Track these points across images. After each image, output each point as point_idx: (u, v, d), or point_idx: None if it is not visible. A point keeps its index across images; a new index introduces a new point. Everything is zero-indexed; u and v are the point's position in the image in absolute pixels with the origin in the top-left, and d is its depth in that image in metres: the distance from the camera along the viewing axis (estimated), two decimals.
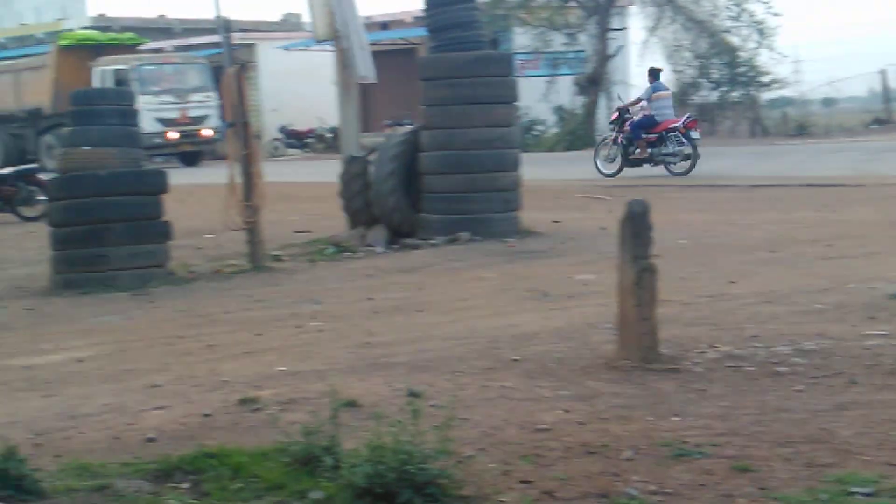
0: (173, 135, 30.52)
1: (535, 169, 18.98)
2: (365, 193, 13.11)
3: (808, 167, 19.91)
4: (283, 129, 35.84)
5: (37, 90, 31.80)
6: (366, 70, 13.50)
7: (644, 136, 19.33)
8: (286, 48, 35.33)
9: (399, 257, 12.01)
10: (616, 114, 20.57)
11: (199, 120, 30.94)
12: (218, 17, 12.50)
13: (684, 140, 19.06)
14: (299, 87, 35.05)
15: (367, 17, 30.76)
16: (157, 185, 11.55)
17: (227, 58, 12.42)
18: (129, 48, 34.36)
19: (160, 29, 42.03)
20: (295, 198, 18.09)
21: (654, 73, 20.65)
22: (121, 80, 29.97)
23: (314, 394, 5.69)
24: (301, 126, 35.77)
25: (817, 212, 13.78)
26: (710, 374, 5.77)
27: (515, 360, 6.30)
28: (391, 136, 13.54)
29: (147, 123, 28.45)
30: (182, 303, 10.04)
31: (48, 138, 31.41)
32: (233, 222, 11.84)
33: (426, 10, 14.25)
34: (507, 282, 9.91)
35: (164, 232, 11.50)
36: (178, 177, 24.36)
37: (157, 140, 29.56)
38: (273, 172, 16.29)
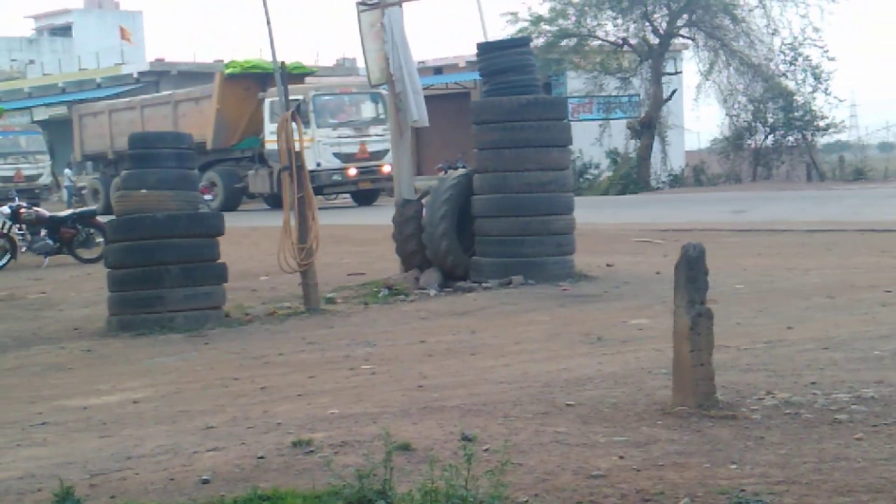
0: (353, 171, 28.00)
1: (588, 212, 18.97)
2: (418, 236, 13.16)
3: (866, 212, 19.69)
4: None
5: (197, 123, 28.96)
6: (419, 114, 13.59)
7: None
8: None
9: (452, 300, 12.01)
10: None
11: (378, 155, 28.26)
12: (273, 62, 12.64)
13: None
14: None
15: (421, 62, 31.21)
16: (214, 227, 11.66)
17: (283, 101, 12.55)
18: (296, 77, 31.33)
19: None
20: (349, 240, 18.20)
21: None
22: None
23: (367, 437, 5.68)
24: None
25: (875, 257, 13.60)
26: (768, 421, 5.69)
27: (570, 404, 6.25)
28: (444, 179, 13.57)
29: (325, 159, 27.31)
30: (237, 345, 10.10)
31: (210, 174, 29.57)
32: (287, 265, 11.91)
33: (479, 55, 14.35)
34: (560, 326, 9.87)
35: (219, 274, 11.60)
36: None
37: (336, 177, 27.67)
38: (326, 215, 16.40)
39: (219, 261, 11.64)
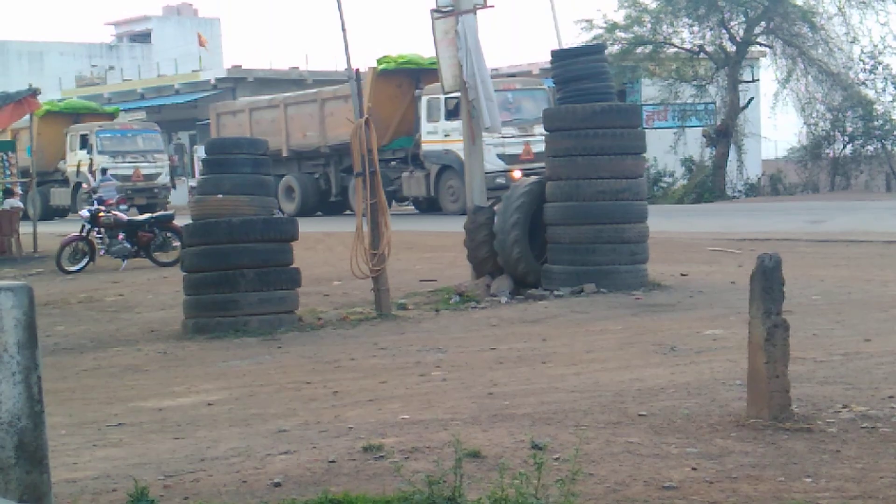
0: (518, 174, 25.30)
1: (663, 221, 18.81)
2: (490, 243, 13.15)
3: None
4: None
5: (346, 122, 27.44)
6: (492, 120, 13.60)
7: None
8: None
9: (523, 308, 11.98)
10: None
11: (543, 156, 27.09)
12: (348, 69, 12.72)
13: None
14: None
15: (495, 69, 31.01)
16: (288, 232, 11.76)
17: (357, 109, 12.63)
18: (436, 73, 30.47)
19: (293, 81, 43.02)
20: (421, 246, 18.24)
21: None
22: (454, 109, 24.95)
23: (437, 443, 5.69)
24: None
25: None
26: (844, 435, 5.59)
27: (642, 414, 6.20)
28: (516, 186, 13.56)
29: (489, 161, 24.22)
30: (309, 349, 10.17)
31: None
32: (360, 270, 11.97)
33: (553, 62, 14.31)
34: (633, 335, 9.80)
35: (293, 279, 11.69)
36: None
37: (501, 180, 25.05)
38: (398, 222, 16.44)
39: (293, 265, 11.74)
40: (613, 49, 31.80)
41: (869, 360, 7.65)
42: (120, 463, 5.95)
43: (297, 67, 45.94)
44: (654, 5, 33.17)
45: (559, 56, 14.33)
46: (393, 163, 27.84)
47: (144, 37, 66.75)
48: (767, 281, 5.81)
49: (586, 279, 12.52)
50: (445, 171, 26.76)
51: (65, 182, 34.92)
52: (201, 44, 48.36)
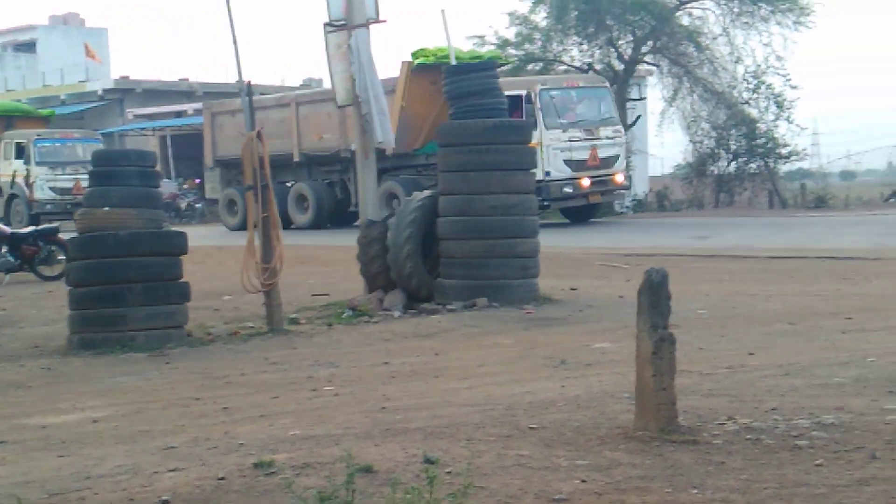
0: (587, 182, 23.56)
1: (554, 236, 19.02)
2: (383, 257, 13.15)
3: (827, 240, 19.89)
4: None
5: None
6: (384, 136, 13.61)
7: None
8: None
9: (416, 322, 12.00)
10: None
11: (609, 161, 24.18)
12: (239, 81, 12.62)
13: None
14: None
15: (388, 83, 30.94)
16: (177, 245, 11.60)
17: (248, 121, 12.53)
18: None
19: (183, 92, 42.48)
20: (313, 261, 18.15)
21: None
22: (510, 108, 22.23)
23: (329, 458, 5.66)
24: None
25: (836, 284, 13.73)
26: (729, 447, 5.71)
27: (533, 427, 6.25)
28: (409, 200, 13.59)
29: (555, 167, 23.04)
30: (199, 364, 10.04)
31: (389, 185, 24.25)
32: (251, 285, 11.86)
33: (446, 78, 14.40)
34: (524, 349, 9.88)
35: (182, 293, 11.53)
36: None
37: (568, 189, 23.28)
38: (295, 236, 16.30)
39: (182, 279, 11.58)
40: (505, 66, 32.02)
41: (752, 373, 7.84)
42: (3, 482, 5.79)
43: (188, 79, 45.39)
44: (544, 23, 33.62)
45: (452, 72, 14.43)
46: (426, 170, 24.35)
47: (29, 46, 65.13)
48: (654, 295, 5.91)
49: (478, 293, 12.60)
50: None
51: None
52: (90, 55, 47.40)
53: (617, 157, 24.06)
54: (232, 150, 26.57)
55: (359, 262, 13.49)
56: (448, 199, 13.00)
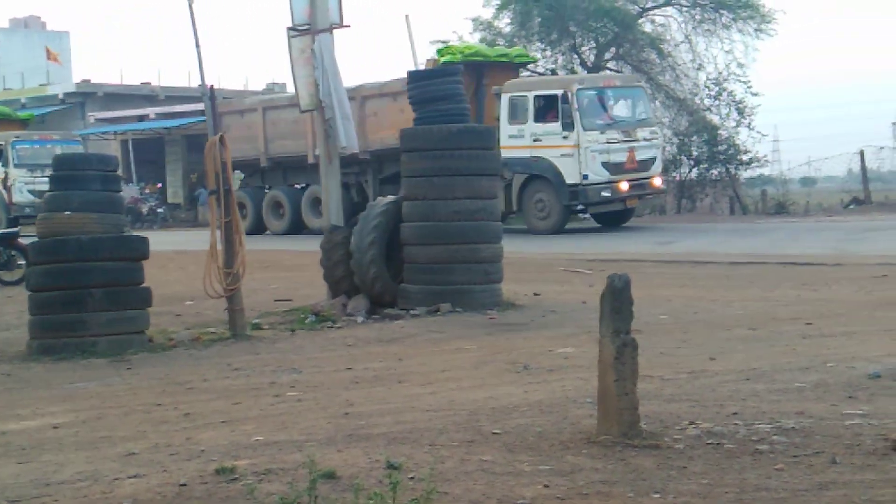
0: (625, 185, 22.89)
1: (517, 241, 19.06)
2: (346, 262, 13.13)
3: (788, 245, 20.03)
4: None
5: (392, 124, 22.37)
6: (348, 141, 13.60)
7: None
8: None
9: (379, 327, 11.99)
10: None
11: (646, 164, 23.53)
12: (202, 86, 12.57)
13: None
14: None
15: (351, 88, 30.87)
16: (139, 250, 11.52)
17: (211, 125, 12.48)
18: (516, 67, 26.39)
19: (144, 96, 42.22)
20: (277, 266, 18.09)
21: None
22: (544, 109, 22.70)
23: (292, 464, 5.64)
24: None
25: (797, 290, 13.83)
26: (691, 451, 5.75)
27: (496, 433, 6.26)
28: (373, 206, 13.58)
29: (593, 170, 22.49)
30: (160, 370, 9.97)
31: None
32: (213, 290, 11.80)
33: (409, 83, 14.40)
34: (487, 354, 9.89)
35: (144, 298, 11.45)
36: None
37: (606, 193, 22.57)
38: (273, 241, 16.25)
39: (143, 284, 11.50)
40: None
41: (714, 378, 7.89)
42: None
43: (150, 83, 45.12)
44: (507, 29, 33.72)
45: (415, 77, 14.44)
46: None
47: None
48: (617, 301, 5.94)
49: (442, 299, 12.61)
50: (533, 182, 23.34)
51: None
52: (51, 58, 47.01)
53: (654, 159, 23.64)
54: (244, 152, 26.23)
55: (322, 267, 13.46)
56: (412, 204, 13.00)
